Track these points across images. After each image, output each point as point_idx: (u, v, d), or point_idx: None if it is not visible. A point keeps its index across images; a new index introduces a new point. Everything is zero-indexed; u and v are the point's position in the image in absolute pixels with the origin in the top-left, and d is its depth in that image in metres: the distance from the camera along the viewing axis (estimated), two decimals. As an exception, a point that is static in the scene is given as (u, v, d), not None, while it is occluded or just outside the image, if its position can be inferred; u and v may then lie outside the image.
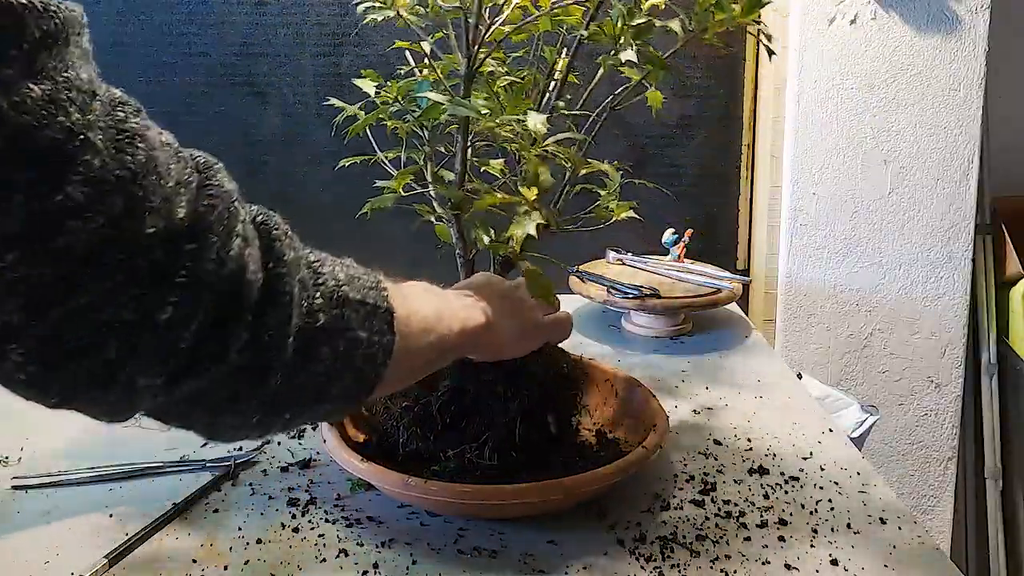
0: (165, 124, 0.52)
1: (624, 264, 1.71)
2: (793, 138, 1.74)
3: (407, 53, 1.03)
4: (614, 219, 0.99)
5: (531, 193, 0.88)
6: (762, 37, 0.95)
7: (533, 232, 0.86)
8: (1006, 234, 1.93)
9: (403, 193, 0.96)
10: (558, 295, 0.97)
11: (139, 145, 0.51)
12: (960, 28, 1.71)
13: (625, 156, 1.80)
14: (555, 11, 0.94)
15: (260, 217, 0.60)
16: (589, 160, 0.96)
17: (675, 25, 0.93)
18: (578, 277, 1.62)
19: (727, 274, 1.67)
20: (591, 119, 1.02)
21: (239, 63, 1.78)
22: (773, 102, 1.76)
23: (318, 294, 0.61)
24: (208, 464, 1.03)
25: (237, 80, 1.79)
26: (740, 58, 1.81)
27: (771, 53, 0.95)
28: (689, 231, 1.72)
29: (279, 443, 1.10)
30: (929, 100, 1.74)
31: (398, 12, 0.92)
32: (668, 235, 1.73)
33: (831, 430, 1.17)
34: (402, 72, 1.00)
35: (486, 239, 0.92)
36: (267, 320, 0.56)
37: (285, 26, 1.77)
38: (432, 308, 0.76)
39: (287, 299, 0.57)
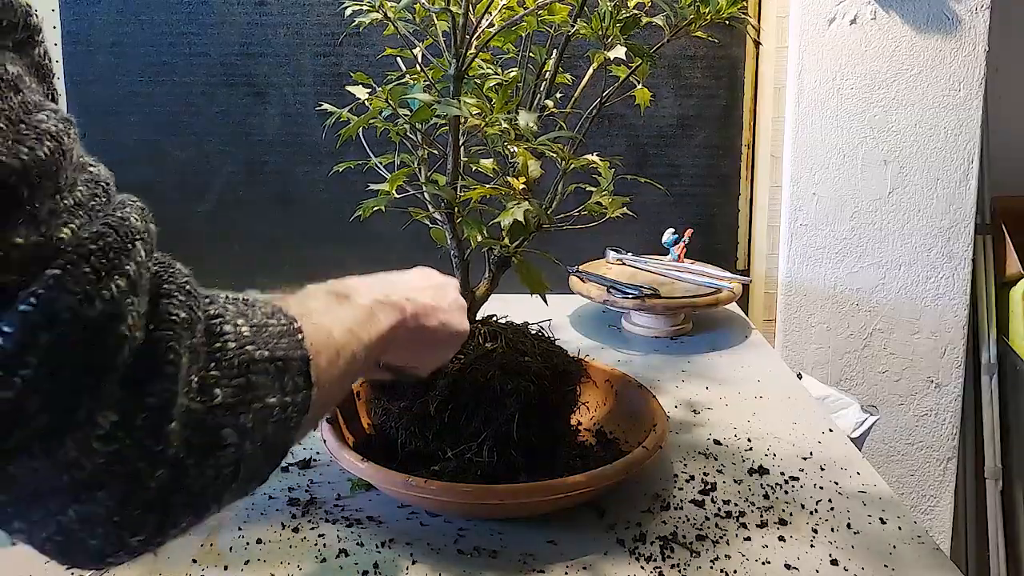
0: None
1: (624, 264, 1.71)
2: (793, 138, 1.74)
3: (399, 59, 1.03)
4: (608, 216, 0.99)
5: (519, 182, 0.88)
6: (749, 29, 0.96)
7: (521, 218, 0.86)
8: (1006, 234, 1.93)
9: (397, 195, 0.96)
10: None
11: (46, 144, 0.44)
12: (960, 28, 1.71)
13: (625, 156, 1.80)
14: (540, 10, 0.94)
15: (156, 268, 0.51)
16: (574, 156, 0.96)
17: (660, 19, 0.94)
18: (578, 277, 1.62)
19: (727, 274, 1.67)
20: (583, 118, 1.02)
21: (239, 63, 1.78)
22: (773, 102, 1.76)
23: (213, 364, 0.51)
24: (208, 464, 1.03)
25: (237, 80, 1.79)
26: (740, 58, 1.81)
27: (757, 44, 0.96)
28: (689, 231, 1.72)
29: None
30: (929, 100, 1.74)
31: (386, 15, 0.93)
32: (668, 235, 1.73)
33: (831, 430, 1.17)
34: (393, 77, 1.01)
35: (479, 237, 0.92)
36: (143, 398, 0.46)
37: (285, 26, 1.77)
38: (342, 324, 0.67)
39: (170, 371, 0.47)
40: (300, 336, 0.59)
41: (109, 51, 1.77)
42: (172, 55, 1.77)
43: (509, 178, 0.89)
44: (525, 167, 0.88)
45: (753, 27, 0.95)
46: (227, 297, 0.57)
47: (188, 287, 0.51)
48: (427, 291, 0.84)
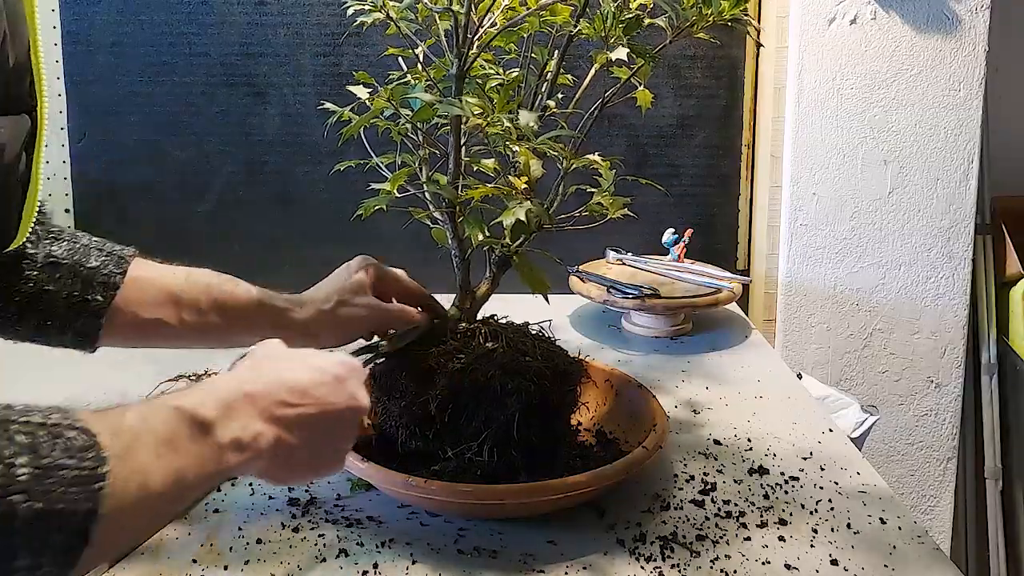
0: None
1: (624, 264, 1.71)
2: (793, 138, 1.74)
3: (400, 59, 1.03)
4: (609, 217, 0.99)
5: (520, 182, 0.88)
6: (750, 30, 0.96)
7: (523, 218, 0.86)
8: (1006, 234, 1.93)
9: (398, 195, 0.96)
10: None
11: None
12: (960, 28, 1.71)
13: (625, 156, 1.80)
14: (542, 11, 0.94)
15: None
16: (575, 156, 0.96)
17: (662, 21, 0.94)
18: (578, 277, 1.62)
19: (727, 274, 1.67)
20: (585, 117, 1.02)
21: (239, 63, 1.78)
22: (773, 102, 1.76)
23: None
24: (208, 464, 1.03)
25: (237, 80, 1.79)
26: (740, 58, 1.81)
27: (758, 45, 0.96)
28: (689, 231, 1.72)
29: (279, 443, 1.10)
30: (929, 100, 1.74)
31: (388, 15, 0.93)
32: (668, 235, 1.73)
33: (831, 430, 1.17)
34: (394, 77, 1.01)
35: (480, 236, 0.92)
36: None
37: (285, 26, 1.77)
38: (173, 463, 0.59)
39: None
40: (98, 486, 0.52)
41: (109, 51, 1.77)
42: (172, 55, 1.77)
43: (511, 178, 0.89)
44: (527, 167, 0.88)
45: (755, 29, 0.95)
46: (27, 424, 0.51)
47: None
48: (294, 378, 0.72)
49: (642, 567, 0.85)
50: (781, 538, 0.90)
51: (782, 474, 1.04)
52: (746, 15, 0.97)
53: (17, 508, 0.48)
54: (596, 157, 0.98)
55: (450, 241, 1.00)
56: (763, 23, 1.80)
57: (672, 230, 1.73)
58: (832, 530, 0.92)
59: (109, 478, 0.53)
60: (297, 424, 0.70)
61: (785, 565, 0.86)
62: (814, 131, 1.74)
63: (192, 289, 0.98)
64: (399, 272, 1.04)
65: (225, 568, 0.84)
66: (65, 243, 0.94)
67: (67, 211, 1.80)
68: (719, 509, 0.96)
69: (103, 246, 0.97)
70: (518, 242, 0.99)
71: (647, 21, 0.94)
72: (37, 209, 0.87)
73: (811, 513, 0.95)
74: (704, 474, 1.03)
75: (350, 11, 0.95)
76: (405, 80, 0.99)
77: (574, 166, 0.96)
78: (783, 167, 1.77)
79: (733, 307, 1.66)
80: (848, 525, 0.93)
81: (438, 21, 0.95)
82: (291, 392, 0.70)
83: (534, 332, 1.02)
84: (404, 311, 1.00)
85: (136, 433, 0.58)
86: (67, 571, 0.52)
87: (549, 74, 1.00)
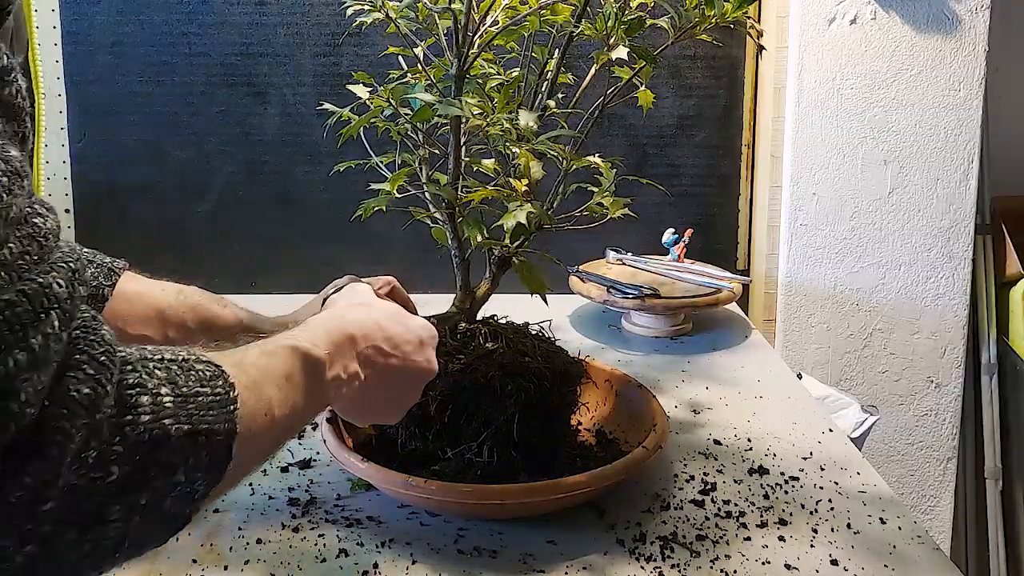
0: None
1: (624, 264, 1.71)
2: (793, 138, 1.74)
3: (400, 58, 1.03)
4: (609, 217, 0.99)
5: (521, 184, 0.88)
6: (752, 32, 0.96)
7: (523, 221, 0.86)
8: (1006, 234, 1.93)
9: (398, 195, 0.96)
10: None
11: None
12: (960, 28, 1.71)
13: (625, 156, 1.80)
14: (543, 10, 0.94)
15: (75, 333, 0.49)
16: (577, 156, 0.96)
17: (664, 22, 0.94)
18: (578, 277, 1.62)
19: (727, 274, 1.67)
20: (585, 117, 1.02)
21: (239, 63, 1.78)
22: (773, 102, 1.76)
23: (118, 440, 0.49)
24: (208, 464, 1.03)
25: (237, 80, 1.79)
26: (740, 58, 1.81)
27: (760, 48, 0.96)
28: (689, 231, 1.72)
29: (279, 443, 1.10)
30: (929, 100, 1.73)
31: (387, 14, 0.93)
32: (668, 235, 1.73)
33: (831, 430, 1.17)
34: (395, 76, 1.01)
35: (480, 237, 0.92)
36: (21, 476, 0.45)
37: (285, 26, 1.77)
38: (283, 382, 0.66)
39: (54, 452, 0.46)
40: (233, 408, 0.57)
41: (109, 51, 1.77)
42: (172, 55, 1.77)
43: (512, 179, 0.89)
44: (527, 168, 0.88)
45: (757, 31, 0.95)
46: (162, 360, 0.55)
47: (103, 357, 0.49)
48: (389, 329, 0.81)
49: (642, 567, 0.85)
50: (781, 538, 0.90)
51: (782, 474, 1.04)
52: (748, 17, 0.97)
53: (170, 430, 0.52)
54: (597, 159, 0.98)
55: (450, 241, 1.00)
56: (763, 23, 1.80)
57: (672, 230, 1.73)
58: (832, 530, 0.92)
59: (240, 402, 0.58)
60: (383, 371, 0.79)
61: (785, 565, 0.86)
62: (814, 131, 1.74)
63: (180, 307, 0.98)
64: (384, 282, 1.03)
65: (225, 568, 0.84)
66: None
67: (67, 211, 1.80)
68: (719, 509, 0.96)
69: (94, 257, 0.97)
70: (518, 243, 0.99)
71: (649, 22, 0.94)
72: None
73: (811, 513, 0.95)
74: (704, 474, 1.03)
75: (350, 11, 0.95)
76: (405, 80, 0.99)
77: (574, 167, 0.96)
78: (783, 167, 1.77)
79: (733, 307, 1.66)
80: (848, 525, 0.93)
81: (438, 21, 0.95)
82: (386, 341, 0.80)
83: (534, 332, 1.02)
84: None
85: (261, 368, 0.65)
86: (217, 483, 0.57)
87: (549, 74, 1.00)
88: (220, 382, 0.58)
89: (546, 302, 0.98)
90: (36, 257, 0.48)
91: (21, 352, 0.44)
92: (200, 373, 0.57)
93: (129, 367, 0.52)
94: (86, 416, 0.47)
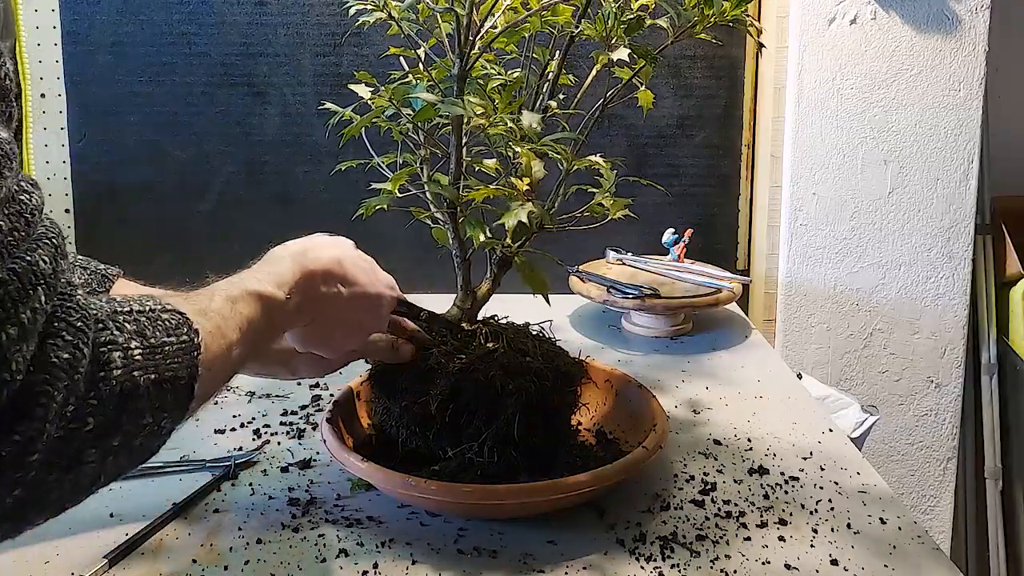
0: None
1: (624, 264, 1.71)
2: (793, 138, 1.74)
3: (401, 59, 1.03)
4: (610, 217, 0.99)
5: (522, 184, 0.88)
6: (751, 31, 0.96)
7: (524, 220, 0.86)
8: (1006, 234, 1.93)
9: (399, 195, 0.96)
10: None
11: None
12: (960, 28, 1.71)
13: (625, 156, 1.80)
14: (544, 11, 0.94)
15: (56, 303, 0.54)
16: (577, 157, 0.96)
17: (663, 21, 0.94)
18: (578, 277, 1.62)
19: (727, 274, 1.67)
20: (585, 118, 1.02)
21: (239, 63, 1.78)
22: (773, 102, 1.76)
23: (93, 394, 0.55)
24: (208, 464, 1.03)
25: (237, 80, 1.79)
26: (740, 58, 1.81)
27: (760, 46, 0.96)
28: (689, 231, 1.72)
29: (279, 443, 1.10)
30: (929, 100, 1.74)
31: (390, 14, 0.93)
32: (668, 235, 1.73)
33: (831, 430, 1.17)
34: (396, 76, 1.01)
35: (482, 237, 0.92)
36: (10, 435, 0.50)
37: (285, 26, 1.77)
38: (239, 319, 0.74)
39: (40, 413, 0.51)
40: (196, 354, 0.64)
41: (109, 51, 1.77)
42: (172, 55, 1.77)
43: (513, 179, 0.89)
44: (529, 168, 0.88)
45: (756, 30, 0.95)
46: (130, 312, 0.60)
47: (80, 323, 0.54)
48: (349, 268, 0.89)
49: (642, 567, 0.85)
50: (781, 538, 0.90)
51: (782, 474, 1.04)
52: (747, 16, 0.97)
53: (139, 381, 0.58)
54: (598, 158, 0.98)
55: (451, 241, 1.00)
56: (763, 23, 1.80)
57: (672, 230, 1.73)
58: (832, 530, 0.92)
59: (203, 347, 0.64)
60: (336, 305, 0.87)
61: (785, 565, 0.86)
62: (814, 131, 1.74)
63: None
64: None
65: (225, 568, 0.84)
66: None
67: (67, 211, 1.80)
68: (719, 509, 0.96)
69: (87, 264, 0.97)
70: (519, 243, 0.99)
71: (648, 22, 0.94)
72: None
73: (811, 513, 0.95)
74: (704, 474, 1.03)
75: (352, 11, 0.95)
76: (407, 80, 0.99)
77: (575, 167, 0.96)
78: (783, 167, 1.77)
79: (733, 307, 1.66)
80: (848, 525, 0.93)
81: (440, 21, 0.95)
82: (343, 280, 0.88)
83: (535, 332, 1.02)
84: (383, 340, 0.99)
85: (224, 314, 0.71)
86: (181, 421, 0.64)
87: (551, 74, 1.00)
88: (185, 330, 0.64)
89: (548, 302, 0.98)
90: (23, 234, 0.52)
91: (12, 327, 0.49)
92: (167, 322, 0.62)
93: (101, 325, 0.57)
94: (66, 378, 0.52)
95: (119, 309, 0.60)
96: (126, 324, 0.59)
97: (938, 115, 1.74)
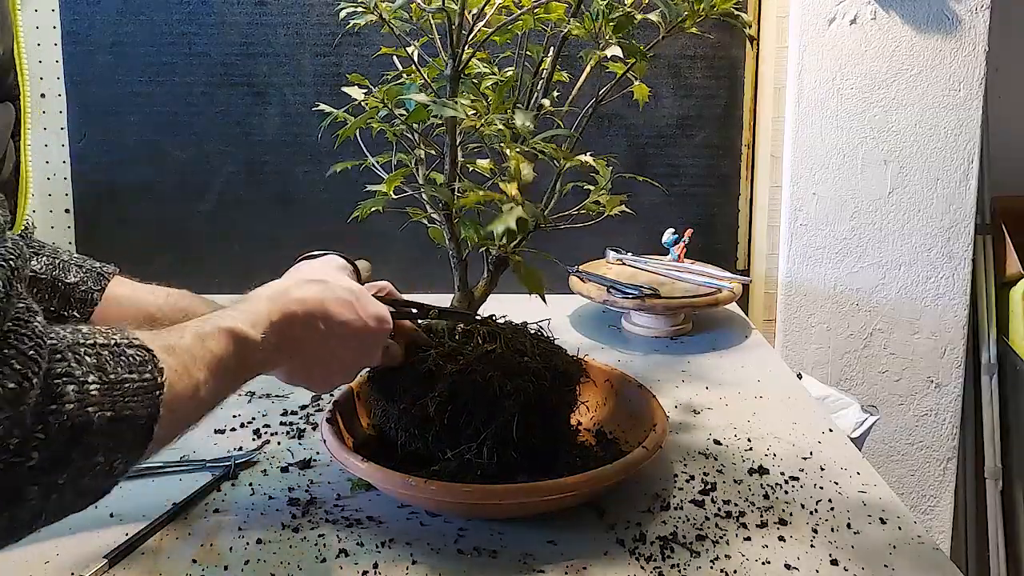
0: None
1: (624, 264, 1.71)
2: (793, 138, 1.74)
3: (395, 59, 1.03)
4: (607, 214, 0.99)
5: (512, 188, 0.87)
6: (740, 22, 0.95)
7: (513, 225, 0.85)
8: (1006, 234, 1.93)
9: (394, 196, 0.96)
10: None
11: None
12: (960, 28, 1.71)
13: (625, 156, 1.80)
14: (536, 9, 0.94)
15: (8, 327, 0.52)
16: (569, 156, 0.95)
17: (655, 16, 0.93)
18: (578, 277, 1.62)
19: (727, 274, 1.67)
20: (581, 115, 1.01)
21: (239, 63, 1.78)
22: (773, 102, 1.76)
23: (40, 427, 0.52)
24: (208, 464, 1.03)
25: (237, 80, 1.79)
26: (740, 58, 1.81)
27: (750, 39, 0.95)
28: (689, 231, 1.72)
29: (279, 443, 1.10)
30: (929, 100, 1.74)
31: (380, 16, 0.92)
32: (668, 235, 1.73)
33: (831, 430, 1.17)
34: (390, 76, 1.00)
35: (476, 238, 0.92)
36: None
37: (285, 26, 1.77)
38: (212, 361, 0.71)
39: None
40: (158, 393, 0.61)
41: (109, 51, 1.77)
42: (172, 55, 1.77)
43: (501, 183, 0.88)
44: (518, 172, 0.87)
45: (745, 23, 0.94)
46: (93, 345, 0.58)
47: (32, 351, 0.52)
48: (332, 307, 0.85)
49: (642, 567, 0.85)
50: (781, 538, 0.90)
51: (782, 474, 1.04)
52: (739, 10, 0.96)
53: (93, 417, 0.55)
54: (588, 157, 0.96)
55: (447, 242, 1.00)
56: (763, 23, 1.80)
57: (672, 230, 1.73)
58: (832, 530, 0.92)
59: (166, 387, 0.62)
60: (319, 347, 0.84)
61: (785, 565, 0.86)
62: (814, 131, 1.74)
63: (170, 311, 0.99)
64: (378, 288, 1.02)
65: (225, 568, 0.84)
66: (44, 258, 0.96)
67: (67, 211, 1.80)
68: (719, 509, 0.95)
69: (83, 263, 0.98)
70: (515, 243, 0.99)
71: (639, 17, 0.93)
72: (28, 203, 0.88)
73: (811, 513, 0.95)
74: (704, 474, 1.03)
75: (342, 14, 0.94)
76: (401, 80, 0.99)
77: (567, 166, 0.95)
78: (783, 167, 1.77)
79: (733, 307, 1.66)
80: (848, 525, 0.93)
81: (432, 20, 0.95)
82: (325, 319, 0.84)
83: (533, 332, 1.02)
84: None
85: (193, 352, 0.68)
86: (137, 462, 0.61)
87: (544, 72, 1.00)
88: (149, 367, 0.61)
89: (544, 301, 0.98)
90: None
91: None
92: (131, 358, 0.60)
93: (59, 356, 0.55)
94: (9, 410, 0.50)
95: (81, 340, 0.58)
96: (86, 357, 0.57)
97: (938, 115, 1.74)
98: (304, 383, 0.88)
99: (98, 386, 0.56)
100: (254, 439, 1.11)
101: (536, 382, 0.93)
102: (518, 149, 0.88)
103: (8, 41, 0.80)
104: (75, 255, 0.99)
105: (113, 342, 0.60)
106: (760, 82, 1.82)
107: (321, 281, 0.87)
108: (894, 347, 1.81)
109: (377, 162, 1.02)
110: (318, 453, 1.06)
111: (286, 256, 1.05)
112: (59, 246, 0.99)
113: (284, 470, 1.03)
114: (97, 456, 0.57)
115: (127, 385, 0.59)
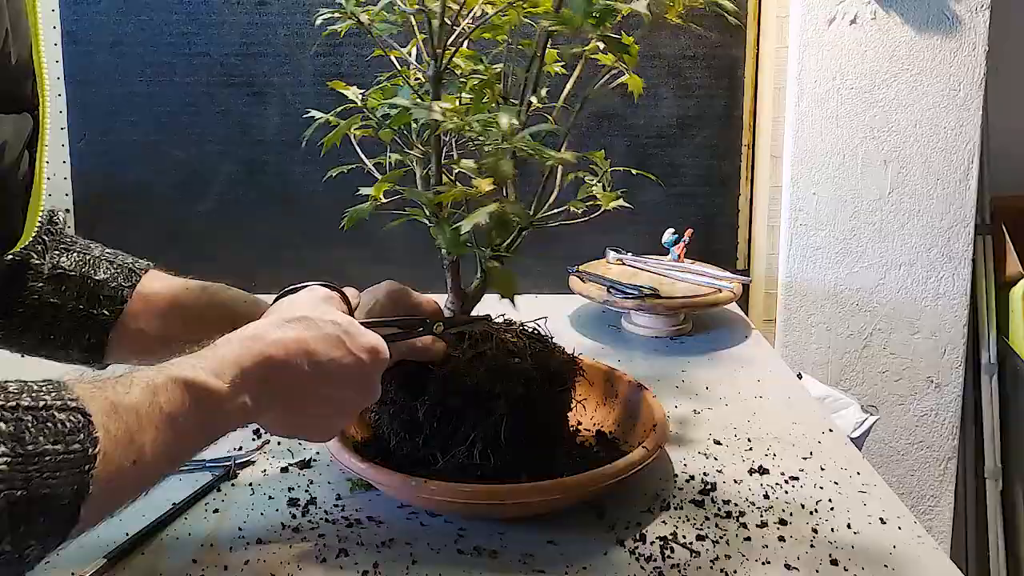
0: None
1: (624, 264, 1.71)
2: (793, 138, 1.74)
3: (392, 60, 1.02)
4: (603, 209, 0.98)
5: (484, 183, 0.85)
6: (725, 5, 0.93)
7: (484, 221, 0.83)
8: (1006, 234, 1.93)
9: (384, 200, 0.95)
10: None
11: None
12: (960, 28, 1.71)
13: (625, 156, 1.80)
14: (523, 4, 0.92)
15: None
16: (549, 152, 0.88)
17: (640, 7, 0.90)
18: (578, 277, 1.62)
19: (727, 274, 1.67)
20: (570, 111, 1.01)
21: (239, 63, 1.78)
22: (773, 102, 1.76)
23: None
24: (208, 464, 1.03)
25: (237, 80, 1.79)
26: (740, 58, 1.81)
27: (737, 26, 0.93)
28: (689, 231, 1.72)
29: (279, 443, 1.10)
30: (929, 100, 1.74)
31: (358, 19, 0.91)
32: (668, 235, 1.73)
33: (831, 430, 1.17)
34: (383, 78, 1.00)
35: (451, 243, 0.90)
36: None
37: (285, 26, 1.77)
38: (158, 423, 0.61)
39: None
40: (87, 467, 0.53)
41: (109, 51, 1.77)
42: (172, 55, 1.77)
43: (476, 180, 0.86)
44: (494, 167, 0.85)
45: (732, 12, 0.93)
46: (15, 408, 0.51)
47: None
48: (316, 348, 0.76)
49: (642, 567, 0.85)
50: (781, 538, 0.90)
51: (782, 474, 1.04)
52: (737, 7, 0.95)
53: (7, 496, 0.48)
54: (567, 155, 0.93)
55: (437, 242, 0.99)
56: (763, 23, 1.80)
57: (672, 230, 1.73)
58: (832, 530, 0.92)
59: (99, 459, 0.54)
60: (302, 393, 0.75)
61: (785, 565, 0.85)
62: (814, 131, 1.74)
63: (204, 308, 0.96)
64: (385, 290, 0.98)
65: (225, 568, 0.84)
66: (75, 254, 0.93)
67: (67, 211, 1.80)
68: (719, 509, 0.95)
69: (114, 258, 0.95)
70: (505, 243, 0.96)
71: (625, 9, 0.91)
72: (47, 217, 0.86)
73: (811, 513, 0.95)
74: (704, 474, 1.03)
75: (319, 20, 0.93)
76: (395, 81, 0.98)
77: (549, 164, 0.93)
78: (783, 167, 1.77)
79: (733, 307, 1.66)
80: (848, 525, 0.93)
81: (413, 21, 0.94)
82: (308, 361, 0.74)
83: (527, 331, 1.01)
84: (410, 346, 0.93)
85: (140, 411, 0.59)
86: (56, 547, 0.53)
87: (534, 68, 0.98)
88: (80, 436, 0.53)
89: (514, 304, 0.92)
90: None
91: None
92: (58, 425, 0.52)
93: None
94: None
95: (1, 403, 0.51)
96: (1, 423, 0.50)
97: (938, 115, 1.74)
98: (299, 434, 0.81)
99: (10, 459, 0.49)
100: (254, 439, 1.11)
101: (526, 384, 0.92)
102: (496, 146, 0.86)
103: (21, 47, 0.76)
104: (108, 250, 0.96)
105: (42, 404, 0.52)
106: (760, 82, 1.82)
107: (303, 318, 0.77)
108: (894, 347, 1.81)
109: (374, 165, 1.01)
110: (318, 453, 1.06)
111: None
112: (92, 241, 0.97)
113: (284, 470, 1.03)
114: (2, 543, 0.49)
115: (48, 459, 0.51)
